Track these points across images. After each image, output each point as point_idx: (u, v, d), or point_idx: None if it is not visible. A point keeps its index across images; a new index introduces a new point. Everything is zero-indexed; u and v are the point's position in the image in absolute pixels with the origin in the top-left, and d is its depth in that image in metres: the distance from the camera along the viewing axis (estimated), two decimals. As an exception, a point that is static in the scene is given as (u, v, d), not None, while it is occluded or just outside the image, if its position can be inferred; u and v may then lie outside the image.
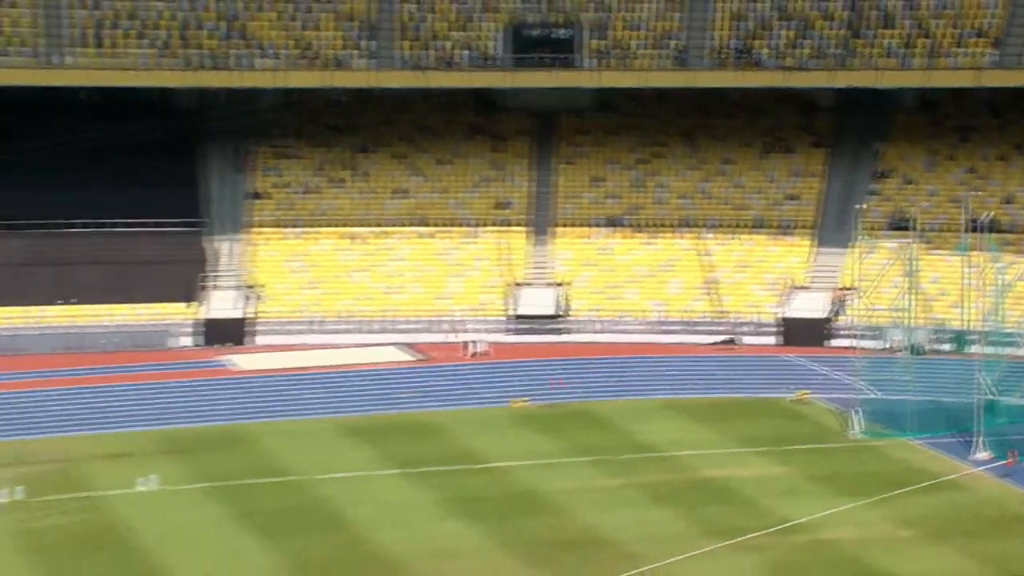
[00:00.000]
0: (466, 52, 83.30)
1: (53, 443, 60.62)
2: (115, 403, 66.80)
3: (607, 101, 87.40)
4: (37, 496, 53.93)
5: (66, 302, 77.35)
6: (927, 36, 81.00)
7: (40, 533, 50.38)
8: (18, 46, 79.92)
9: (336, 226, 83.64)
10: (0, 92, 79.69)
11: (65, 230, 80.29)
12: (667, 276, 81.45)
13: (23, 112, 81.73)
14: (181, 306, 78.62)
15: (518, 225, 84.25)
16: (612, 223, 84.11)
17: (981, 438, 57.83)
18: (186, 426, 63.45)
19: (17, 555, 48.33)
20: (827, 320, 76.98)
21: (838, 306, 77.38)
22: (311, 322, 78.71)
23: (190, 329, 77.53)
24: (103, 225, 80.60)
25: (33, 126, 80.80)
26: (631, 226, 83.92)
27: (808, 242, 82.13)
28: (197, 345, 76.92)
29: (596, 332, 78.52)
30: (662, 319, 78.75)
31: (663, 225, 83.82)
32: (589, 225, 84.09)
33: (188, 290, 79.15)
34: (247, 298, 79.40)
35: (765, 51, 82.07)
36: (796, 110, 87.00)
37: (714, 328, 77.96)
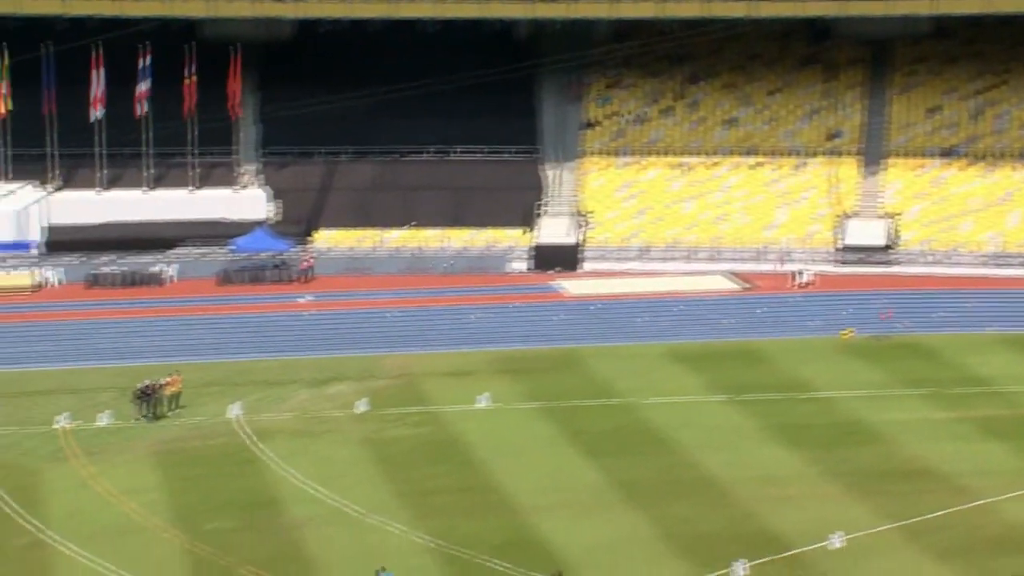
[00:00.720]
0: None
1: (397, 359, 62.99)
2: (454, 324, 68.90)
3: (946, 28, 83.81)
4: (382, 408, 56.30)
5: (410, 226, 79.94)
6: None
7: (386, 443, 52.70)
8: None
9: (665, 155, 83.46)
10: (351, 25, 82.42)
11: (411, 158, 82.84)
12: (1005, 208, 77.99)
13: (373, 46, 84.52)
14: (517, 232, 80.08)
15: (848, 155, 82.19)
16: (947, 153, 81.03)
17: None
18: (519, 347, 64.93)
19: (368, 462, 50.75)
20: None
21: None
22: (638, 249, 78.96)
23: (524, 254, 78.99)
24: (446, 153, 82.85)
25: (383, 60, 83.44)
26: (967, 157, 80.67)
27: None
28: (530, 270, 78.41)
29: (927, 264, 76.03)
30: (998, 252, 75.59)
31: (1002, 156, 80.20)
32: (923, 156, 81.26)
33: (524, 216, 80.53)
34: (578, 225, 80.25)
35: None
36: None
37: (1056, 262, 74.51)
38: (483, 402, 56.76)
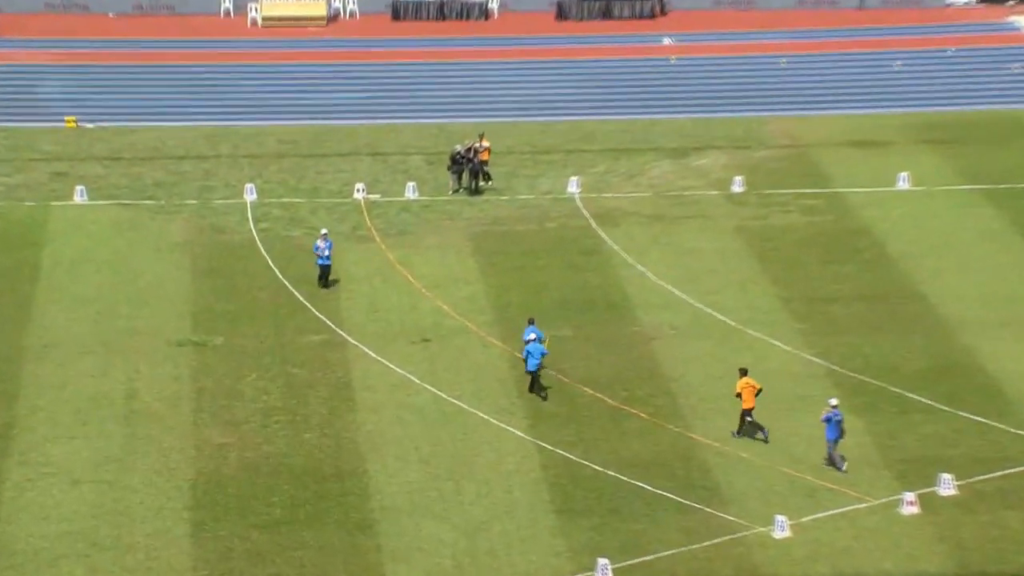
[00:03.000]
0: None
1: (785, 123, 62.47)
2: (866, 75, 67.61)
3: None
4: (764, 188, 56.09)
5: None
6: None
7: (769, 233, 52.51)
8: None
9: None
10: None
11: None
12: None
13: None
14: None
15: None
16: None
17: None
18: (955, 109, 63.60)
19: (744, 257, 50.70)
20: None
21: None
22: None
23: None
24: None
25: None
26: None
27: None
28: (977, 2, 75.90)
29: None
30: None
31: None
32: None
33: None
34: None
35: None
36: None
37: None
38: (902, 182, 55.88)
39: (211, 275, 49.30)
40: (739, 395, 40.36)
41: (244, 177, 56.49)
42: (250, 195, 54.91)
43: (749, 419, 40.33)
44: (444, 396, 42.33)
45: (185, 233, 52.25)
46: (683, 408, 41.68)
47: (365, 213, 53.97)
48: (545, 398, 42.03)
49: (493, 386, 42.91)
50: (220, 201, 54.81)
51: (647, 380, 42.81)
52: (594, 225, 53.06)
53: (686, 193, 55.65)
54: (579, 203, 54.82)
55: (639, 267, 49.79)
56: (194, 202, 54.79)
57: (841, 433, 39.00)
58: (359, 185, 55.70)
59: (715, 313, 46.73)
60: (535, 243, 51.80)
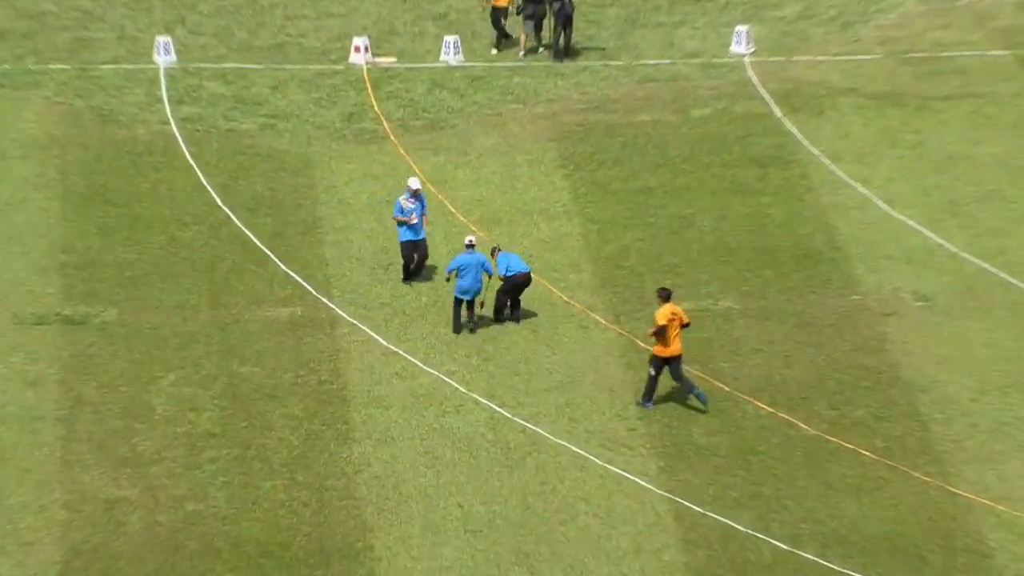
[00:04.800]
0: None
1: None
2: None
3: None
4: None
5: None
6: None
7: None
8: None
9: None
10: None
11: None
12: None
13: None
14: None
15: None
16: None
17: None
18: None
19: None
20: None
21: None
22: None
23: None
24: None
25: None
26: None
27: None
28: None
29: None
30: None
31: None
32: None
33: None
34: None
35: None
36: None
37: None
38: None
39: (96, 199, 49.65)
40: (658, 333, 41.30)
41: (154, 24, 57.32)
42: (164, 56, 55.46)
43: (658, 377, 41.68)
44: (508, 415, 42.35)
45: (49, 124, 52.78)
46: (939, 441, 41.50)
47: (370, 91, 54.62)
48: (473, 330, 44.12)
49: (597, 397, 42.93)
50: (110, 67, 55.56)
51: (874, 390, 42.79)
52: (778, 113, 53.75)
53: (945, 55, 56.58)
54: (751, 73, 55.67)
55: (859, 188, 50.26)
56: (65, 68, 55.48)
57: None
58: (360, 41, 56.12)
59: (999, 272, 47.11)
60: (672, 145, 52.31)
